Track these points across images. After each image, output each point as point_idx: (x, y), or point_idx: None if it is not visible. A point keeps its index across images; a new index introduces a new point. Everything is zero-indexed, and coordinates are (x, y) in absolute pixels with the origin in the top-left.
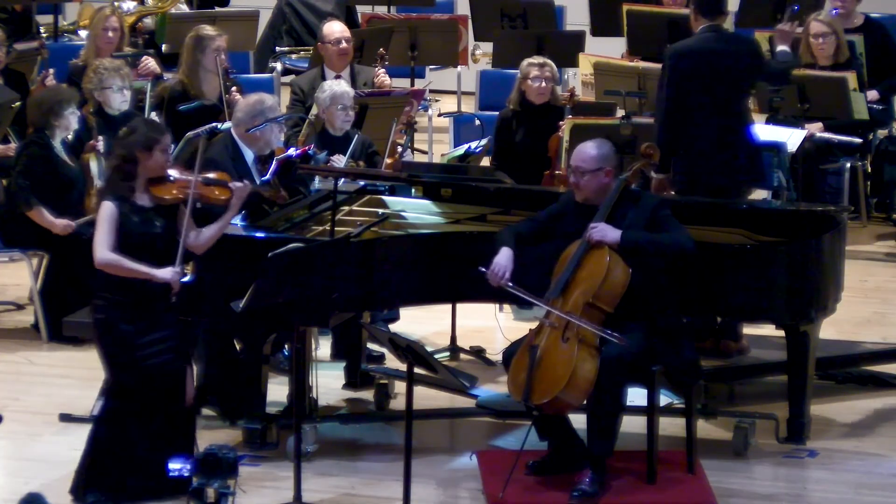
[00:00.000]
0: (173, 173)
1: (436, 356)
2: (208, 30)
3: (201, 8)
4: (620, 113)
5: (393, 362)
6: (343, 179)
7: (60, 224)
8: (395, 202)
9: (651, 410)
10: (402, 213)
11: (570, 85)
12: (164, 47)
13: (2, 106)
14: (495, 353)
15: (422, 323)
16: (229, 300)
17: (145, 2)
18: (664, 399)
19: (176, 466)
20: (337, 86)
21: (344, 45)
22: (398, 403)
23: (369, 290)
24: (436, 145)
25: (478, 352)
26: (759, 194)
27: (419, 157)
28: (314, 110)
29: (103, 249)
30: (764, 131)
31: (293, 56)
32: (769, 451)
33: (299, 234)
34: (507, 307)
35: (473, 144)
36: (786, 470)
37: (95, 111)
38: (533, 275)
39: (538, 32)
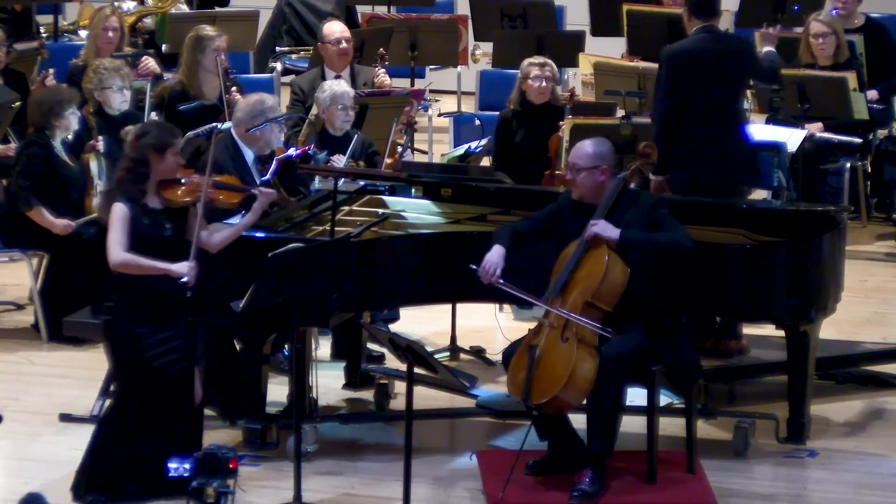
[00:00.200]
0: (184, 176)
1: (436, 356)
2: (208, 30)
3: (201, 8)
4: (620, 113)
5: (393, 362)
6: (343, 179)
7: (60, 224)
8: (395, 202)
9: (651, 410)
10: (402, 213)
11: (570, 85)
12: (164, 47)
13: (2, 106)
14: (495, 353)
15: (422, 323)
16: (229, 300)
17: (145, 2)
18: (664, 399)
19: (175, 466)
20: (337, 86)
21: (344, 45)
22: (398, 403)
23: (369, 290)
24: (436, 145)
25: (478, 352)
26: (759, 194)
27: (419, 157)
28: (314, 110)
29: (118, 250)
30: (764, 131)
31: (293, 56)
32: (769, 451)
33: (299, 234)
34: (507, 307)
35: (473, 144)
36: (786, 470)
37: (95, 111)
38: (532, 275)
39: (538, 32)
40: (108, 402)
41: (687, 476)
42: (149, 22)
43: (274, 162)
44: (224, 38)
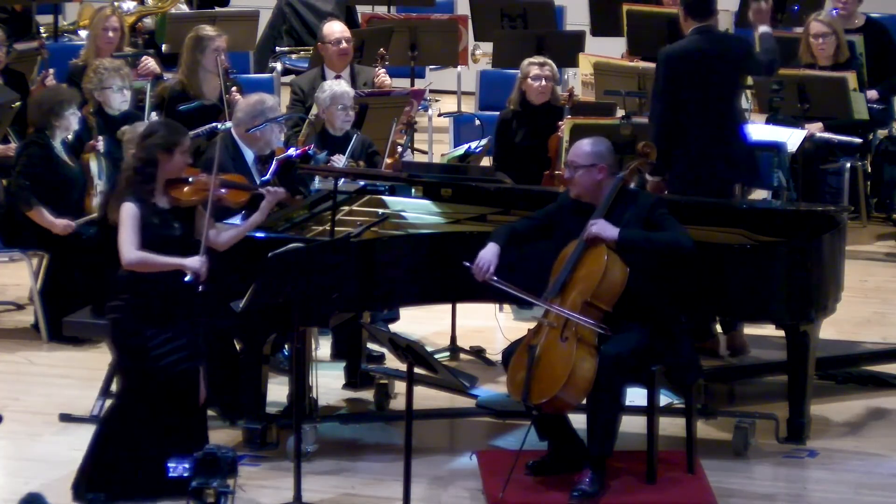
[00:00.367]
0: (191, 175)
1: (436, 356)
2: (208, 30)
3: (201, 8)
4: (620, 113)
5: (393, 362)
6: (343, 179)
7: (60, 224)
8: (395, 202)
9: (651, 410)
10: (402, 213)
11: (569, 85)
12: (164, 47)
13: (2, 106)
14: (495, 353)
15: (422, 323)
16: (229, 300)
17: (145, 2)
18: (664, 399)
19: (174, 466)
20: (337, 86)
21: (344, 45)
22: (398, 403)
23: (369, 290)
24: (436, 145)
25: (478, 352)
26: (759, 194)
27: (419, 157)
28: (314, 110)
29: (131, 249)
30: (764, 131)
31: (293, 56)
32: (769, 451)
33: (299, 234)
34: (507, 307)
35: (473, 144)
36: (786, 470)
37: (95, 111)
38: (531, 274)
39: (538, 32)
40: (108, 402)
41: (687, 476)
42: (149, 22)
43: (274, 162)
44: (224, 38)
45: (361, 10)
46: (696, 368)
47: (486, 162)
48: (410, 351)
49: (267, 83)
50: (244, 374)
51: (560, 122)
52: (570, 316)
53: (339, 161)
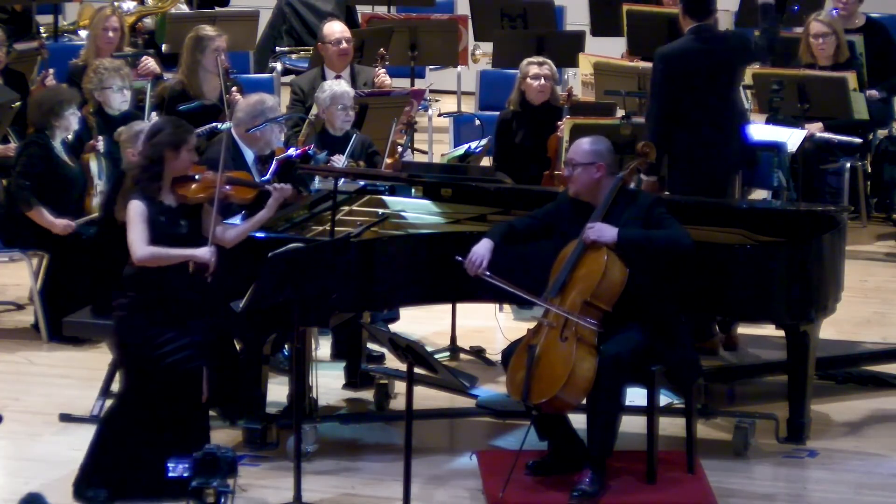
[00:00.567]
0: (197, 172)
1: (436, 356)
2: (208, 30)
3: (201, 8)
4: (620, 113)
5: (393, 362)
6: (343, 179)
7: (60, 224)
8: (395, 202)
9: (651, 410)
10: (402, 213)
11: (569, 85)
12: (164, 47)
13: (2, 106)
14: (495, 353)
15: (422, 323)
16: (229, 300)
17: (145, 2)
18: (664, 399)
19: (174, 466)
20: (337, 86)
21: (344, 45)
22: (398, 403)
23: (369, 290)
24: (436, 145)
25: (478, 352)
26: (760, 194)
27: (419, 157)
28: (314, 110)
29: (142, 245)
30: (764, 131)
31: (293, 56)
32: (769, 451)
33: (299, 234)
34: (507, 307)
35: (473, 144)
36: (786, 470)
37: (95, 111)
38: (531, 274)
39: (538, 32)
40: (108, 402)
41: (687, 476)
42: (149, 22)
43: (274, 162)
44: (224, 38)
45: (361, 10)
46: (696, 368)
47: (486, 162)
48: (410, 351)
49: (267, 83)
50: (244, 374)
51: (560, 122)
52: (570, 316)
53: (339, 161)
